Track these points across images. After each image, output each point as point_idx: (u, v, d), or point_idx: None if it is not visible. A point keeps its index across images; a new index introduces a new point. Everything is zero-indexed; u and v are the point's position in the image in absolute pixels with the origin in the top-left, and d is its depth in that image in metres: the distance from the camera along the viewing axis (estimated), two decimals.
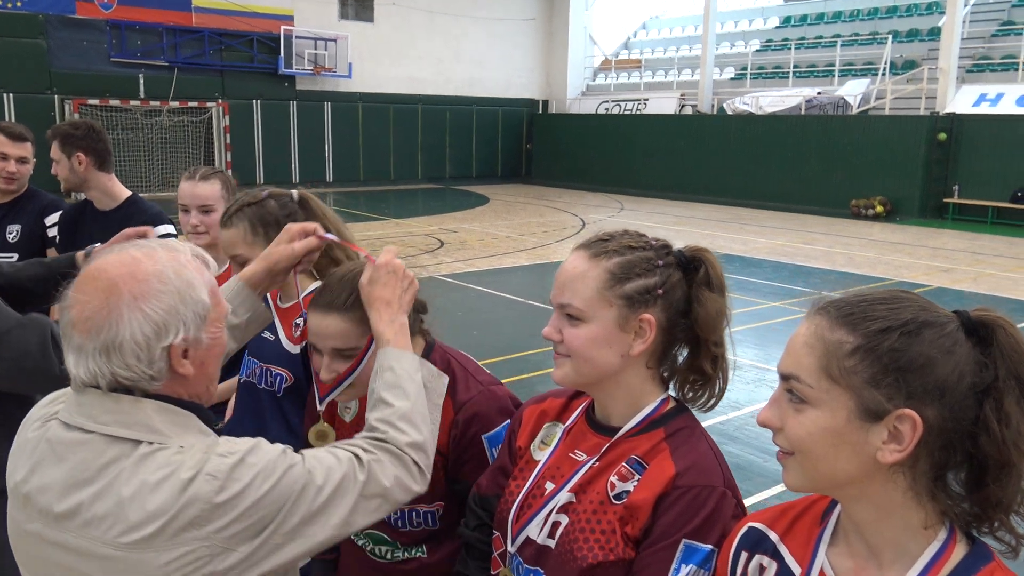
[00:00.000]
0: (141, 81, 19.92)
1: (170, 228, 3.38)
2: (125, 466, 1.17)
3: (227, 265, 2.60)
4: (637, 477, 1.37)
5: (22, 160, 3.53)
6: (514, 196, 22.29)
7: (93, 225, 3.38)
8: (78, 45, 19.06)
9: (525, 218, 17.58)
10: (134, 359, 1.19)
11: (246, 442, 1.26)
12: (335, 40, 22.30)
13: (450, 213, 18.34)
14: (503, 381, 1.89)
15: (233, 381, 2.46)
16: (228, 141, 21.04)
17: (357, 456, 1.37)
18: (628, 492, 1.36)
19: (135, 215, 3.36)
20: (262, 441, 1.29)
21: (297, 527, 1.25)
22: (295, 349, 2.20)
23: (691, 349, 1.46)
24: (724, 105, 21.81)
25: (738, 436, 5.46)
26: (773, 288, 10.37)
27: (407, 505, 1.77)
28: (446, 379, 1.64)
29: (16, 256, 3.42)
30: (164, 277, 1.22)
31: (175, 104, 20.24)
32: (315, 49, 22.08)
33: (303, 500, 1.25)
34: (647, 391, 1.44)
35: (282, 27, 21.37)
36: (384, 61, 23.64)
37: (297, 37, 21.61)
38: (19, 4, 18.24)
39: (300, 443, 2.21)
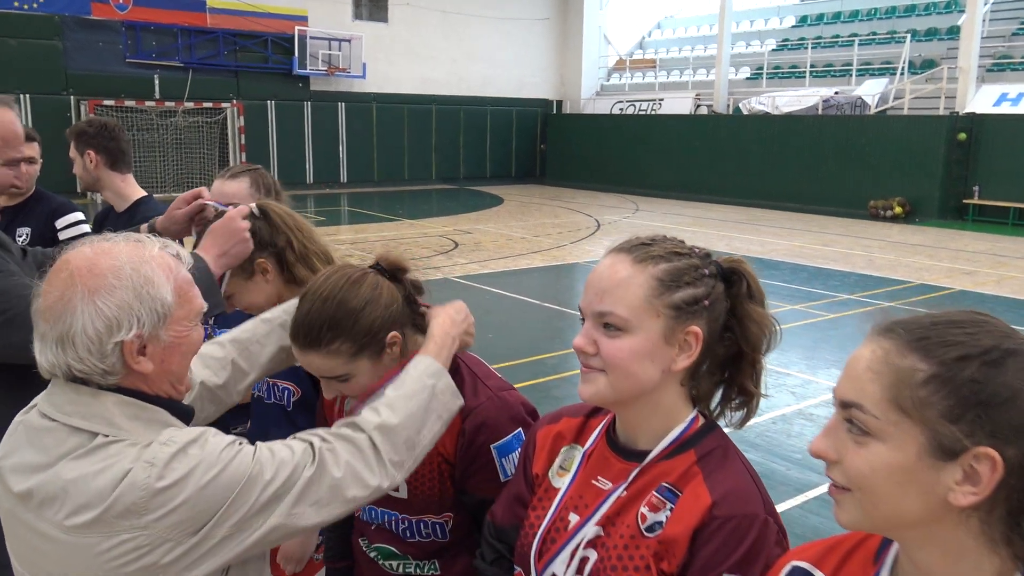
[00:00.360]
0: (156, 82, 19.97)
1: None
2: (77, 454, 1.20)
3: None
4: (670, 506, 1.27)
5: (30, 160, 3.46)
6: (528, 197, 22.20)
7: (111, 227, 3.33)
8: (94, 46, 19.13)
9: (540, 219, 17.48)
10: (86, 352, 1.20)
11: (191, 432, 1.25)
12: (349, 40, 22.29)
13: (464, 214, 18.27)
14: (519, 385, 1.81)
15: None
16: (243, 142, 21.06)
17: (311, 445, 1.33)
18: (661, 524, 1.26)
19: (135, 217, 3.31)
20: (209, 431, 1.26)
21: (243, 520, 1.22)
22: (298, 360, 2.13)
23: (730, 366, 1.37)
24: (740, 105, 21.65)
25: (759, 443, 5.34)
26: (791, 291, 10.23)
27: (415, 515, 1.70)
28: (460, 402, 1.56)
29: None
30: (120, 273, 1.22)
31: (190, 105, 20.28)
32: (329, 49, 22.07)
33: (248, 493, 1.23)
34: (678, 410, 1.34)
35: (296, 27, 21.37)
36: (398, 61, 23.61)
37: (311, 38, 21.61)
38: (35, 5, 18.31)
39: None
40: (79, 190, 3.50)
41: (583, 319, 1.33)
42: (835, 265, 12.14)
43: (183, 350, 1.30)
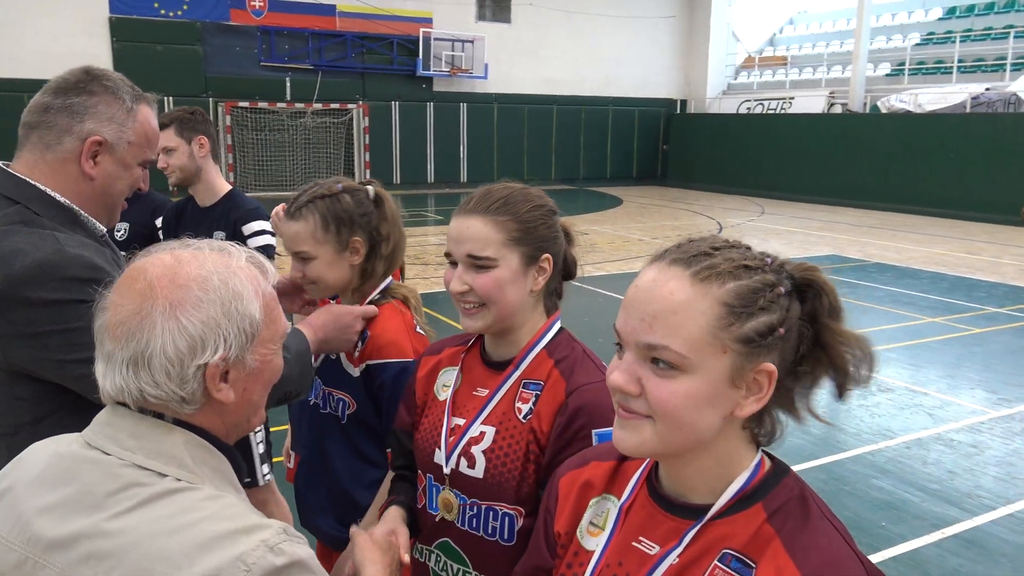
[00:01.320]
0: (288, 84, 20.73)
1: (265, 225, 3.22)
2: (142, 497, 0.99)
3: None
4: None
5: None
6: (649, 198, 21.72)
7: (191, 223, 3.24)
8: (231, 50, 20.04)
9: (659, 221, 17.03)
10: (164, 376, 1.03)
11: (302, 549, 1.02)
12: (472, 41, 22.45)
13: (581, 215, 18.01)
14: None
15: None
16: (367, 142, 21.58)
17: None
18: None
19: (232, 210, 3.24)
20: (314, 560, 1.03)
21: None
22: (356, 372, 1.99)
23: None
24: (878, 103, 20.41)
25: (890, 469, 4.86)
26: (930, 301, 9.46)
27: (486, 500, 1.52)
28: None
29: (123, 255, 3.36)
30: (208, 284, 1.05)
31: (318, 106, 20.95)
32: (452, 51, 22.30)
33: None
34: (739, 455, 1.07)
35: (421, 29, 21.70)
36: (520, 62, 23.61)
37: (435, 39, 21.89)
38: (179, 12, 19.35)
39: (376, 471, 1.99)
40: (172, 184, 3.34)
41: (619, 344, 1.05)
42: (981, 275, 11.18)
43: (266, 377, 1.15)
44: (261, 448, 3.07)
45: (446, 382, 1.66)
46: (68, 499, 1.02)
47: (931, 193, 18.17)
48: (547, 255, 1.56)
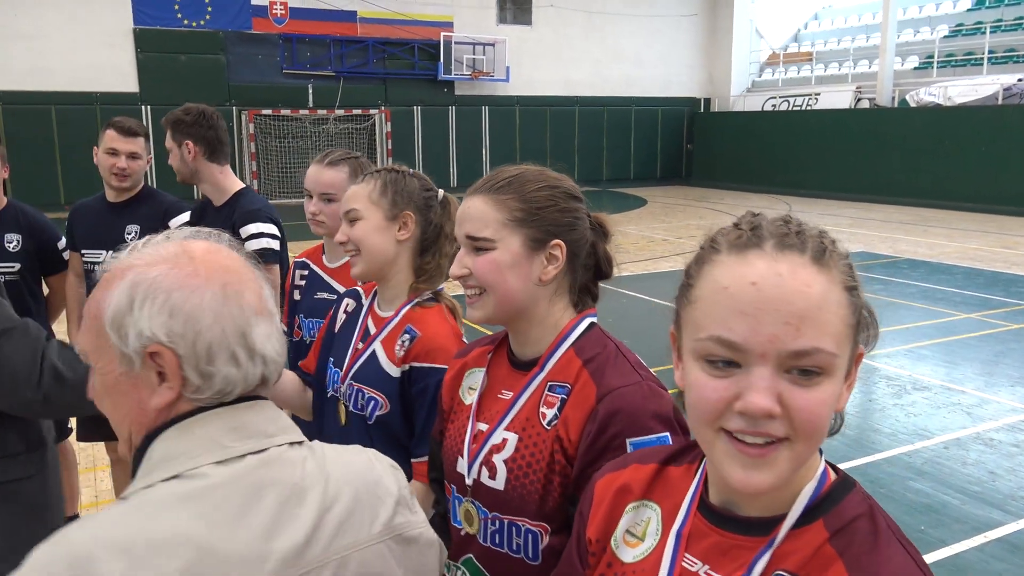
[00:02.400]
0: (310, 91, 20.82)
1: (265, 227, 3.07)
2: (316, 458, 1.03)
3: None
4: None
5: (133, 156, 3.40)
6: (673, 198, 21.52)
7: (205, 222, 3.11)
8: (253, 59, 20.17)
9: (683, 220, 16.84)
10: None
11: None
12: (493, 44, 22.41)
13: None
14: None
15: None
16: (390, 147, 21.60)
17: None
18: None
19: (236, 210, 3.14)
20: None
21: None
22: (396, 372, 1.85)
23: None
24: (906, 97, 20.07)
25: (928, 471, 4.68)
26: (964, 297, 9.21)
27: (508, 515, 1.38)
28: None
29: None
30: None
31: (340, 112, 21.01)
32: (473, 54, 22.28)
33: None
34: (810, 462, 0.91)
35: (442, 34, 21.71)
36: (541, 64, 23.53)
37: (456, 43, 21.88)
38: (202, 23, 19.49)
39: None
40: (179, 181, 3.28)
41: (728, 360, 0.86)
42: (1018, 270, 10.88)
43: None
44: None
45: (472, 384, 1.53)
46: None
47: (963, 187, 17.81)
48: (557, 241, 1.42)
